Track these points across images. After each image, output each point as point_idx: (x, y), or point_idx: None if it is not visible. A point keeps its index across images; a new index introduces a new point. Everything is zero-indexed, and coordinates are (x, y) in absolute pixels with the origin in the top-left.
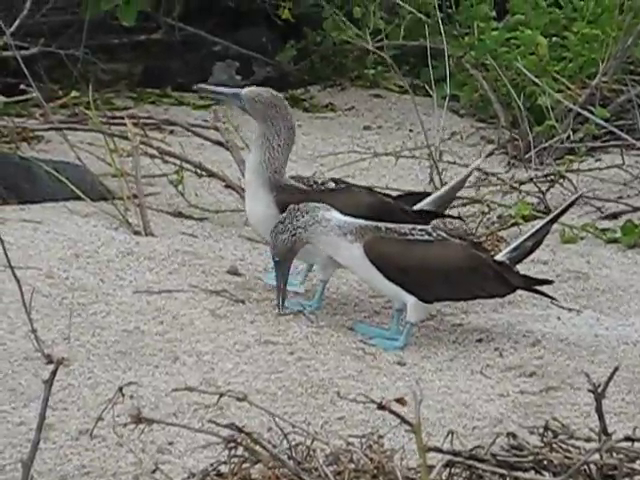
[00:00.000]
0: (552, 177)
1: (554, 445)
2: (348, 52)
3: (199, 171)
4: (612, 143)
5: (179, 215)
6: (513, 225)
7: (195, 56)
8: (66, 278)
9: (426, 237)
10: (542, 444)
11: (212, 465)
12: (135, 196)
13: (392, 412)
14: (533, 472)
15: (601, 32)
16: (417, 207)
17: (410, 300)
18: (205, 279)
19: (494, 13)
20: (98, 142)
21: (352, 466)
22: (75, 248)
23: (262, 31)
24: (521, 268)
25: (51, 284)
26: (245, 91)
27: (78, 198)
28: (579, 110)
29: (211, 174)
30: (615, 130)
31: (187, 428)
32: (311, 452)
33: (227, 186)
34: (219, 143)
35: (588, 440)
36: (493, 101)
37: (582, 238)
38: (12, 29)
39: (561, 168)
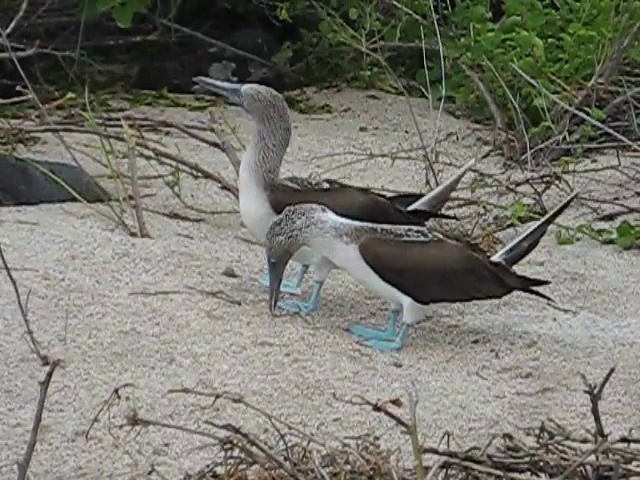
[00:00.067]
0: (548, 178)
1: (550, 446)
2: (344, 53)
3: (195, 172)
4: (608, 144)
5: (175, 216)
6: (509, 226)
7: (191, 57)
8: (62, 279)
9: (422, 238)
10: (538, 445)
11: (208, 466)
12: (131, 197)
13: (388, 413)
14: (529, 473)
15: (597, 33)
16: (411, 207)
17: (406, 301)
18: (201, 280)
19: (490, 14)
20: (94, 143)
21: (348, 467)
22: (71, 249)
23: (258, 32)
24: (517, 269)
25: (47, 285)
26: (245, 88)
27: (74, 199)
28: (575, 111)
29: (207, 175)
30: (611, 131)
31: (183, 429)
32: (307, 453)
33: (223, 187)
34: (215, 145)
35: (584, 441)
36: (489, 102)
37: (578, 239)
38: (8, 30)
39: (557, 169)
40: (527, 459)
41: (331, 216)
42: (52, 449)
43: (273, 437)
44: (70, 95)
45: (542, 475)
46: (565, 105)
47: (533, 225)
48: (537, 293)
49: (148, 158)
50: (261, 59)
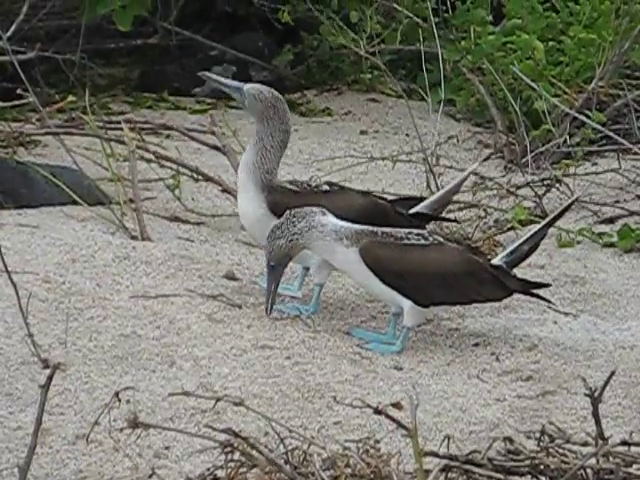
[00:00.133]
0: (549, 181)
1: (551, 449)
2: (345, 57)
3: (196, 175)
4: (609, 147)
5: (176, 220)
6: (510, 229)
7: (192, 60)
8: (63, 283)
9: (422, 241)
10: (539, 448)
11: (209, 470)
12: (132, 201)
13: (388, 417)
14: (530, 477)
15: (597, 36)
16: (413, 210)
17: (407, 304)
18: (202, 283)
19: (490, 17)
20: (95, 147)
21: (349, 471)
22: (72, 253)
23: (259, 35)
24: (518, 272)
25: (48, 289)
26: (247, 87)
27: (75, 203)
28: (576, 114)
29: (208, 179)
30: (612, 134)
31: (184, 433)
32: (308, 457)
33: (224, 190)
34: (216, 148)
35: (585, 444)
36: (490, 105)
37: (579, 242)
38: (9, 34)
39: (558, 172)
40: (528, 462)
41: (331, 219)
42: (53, 452)
43: (274, 440)
44: (71, 98)
45: (543, 478)
46: (566, 108)
47: (534, 228)
48: (538, 296)
49: (149, 161)
50: (262, 62)
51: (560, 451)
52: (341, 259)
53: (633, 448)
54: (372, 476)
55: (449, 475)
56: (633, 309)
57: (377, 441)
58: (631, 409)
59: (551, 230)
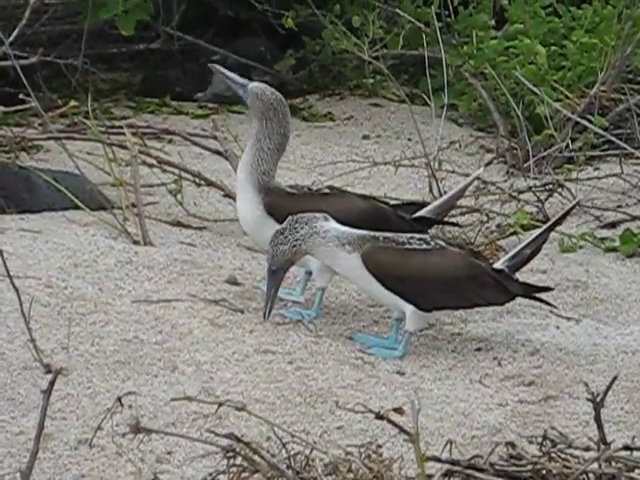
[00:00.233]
0: (551, 186)
1: (553, 454)
2: (347, 61)
3: (198, 180)
4: (611, 152)
5: (178, 224)
6: (512, 234)
7: (194, 65)
8: (65, 287)
9: (424, 246)
10: (541, 453)
11: (211, 475)
12: (134, 205)
13: (391, 422)
14: None
15: (600, 41)
16: (416, 215)
17: (409, 309)
18: (204, 288)
19: (493, 22)
20: (97, 151)
21: (351, 476)
22: (74, 257)
23: (261, 40)
24: (520, 277)
25: (50, 293)
26: (252, 85)
27: (77, 207)
28: (578, 119)
29: (210, 183)
30: (614, 139)
31: (186, 438)
32: (310, 461)
33: (226, 195)
34: (218, 152)
35: (587, 449)
36: (492, 110)
37: (581, 247)
38: (11, 38)
39: (560, 177)
40: (530, 467)
41: (334, 225)
42: (55, 457)
43: (276, 445)
44: (73, 103)
45: None
46: (568, 113)
47: (535, 232)
48: (540, 300)
49: (151, 166)
50: (264, 67)
51: (562, 456)
52: (343, 265)
53: (635, 453)
54: None
55: None
56: (635, 314)
57: (379, 446)
58: (633, 414)
59: (553, 235)
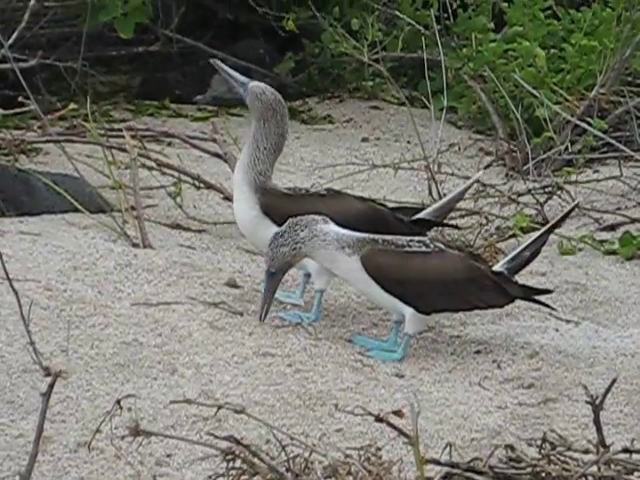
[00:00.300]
0: (550, 189)
1: (552, 457)
2: (346, 64)
3: (197, 183)
4: (610, 155)
5: (177, 227)
6: (511, 237)
7: (193, 68)
8: (64, 290)
9: (424, 249)
10: (540, 456)
11: (210, 477)
12: (133, 208)
13: (390, 424)
14: None
15: (599, 44)
16: (415, 217)
17: (408, 312)
18: (203, 291)
19: (492, 25)
20: (96, 154)
21: (350, 478)
22: (73, 260)
23: (260, 43)
24: (519, 280)
25: (49, 296)
26: (253, 84)
27: (76, 210)
28: (577, 122)
29: (209, 186)
30: (613, 142)
31: (185, 440)
32: (309, 464)
33: (225, 198)
34: (217, 155)
35: (586, 452)
36: (491, 113)
37: (580, 250)
38: (10, 41)
39: (559, 180)
40: (529, 470)
41: (333, 227)
42: (54, 460)
43: (275, 448)
44: (72, 106)
45: None
46: (567, 115)
47: (535, 235)
48: (540, 302)
49: (150, 169)
50: (263, 70)
51: (561, 459)
52: (343, 268)
53: (634, 455)
54: None
55: None
56: (634, 316)
57: (379, 449)
58: (632, 416)
59: (552, 237)
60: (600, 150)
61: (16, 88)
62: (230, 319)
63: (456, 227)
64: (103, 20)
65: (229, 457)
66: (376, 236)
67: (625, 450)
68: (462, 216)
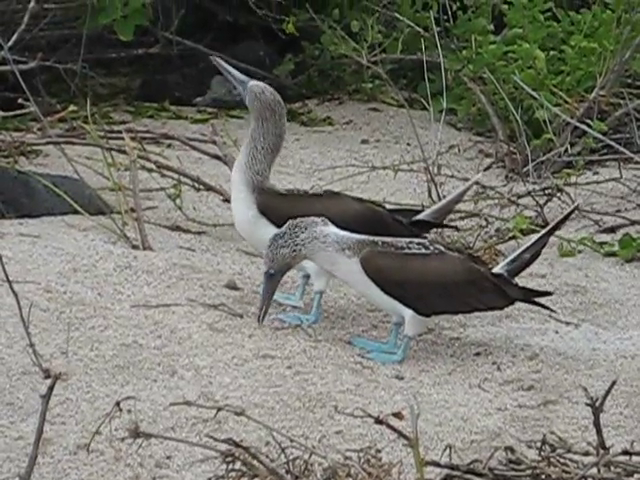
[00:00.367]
0: (550, 191)
1: (552, 459)
2: (346, 66)
3: (197, 185)
4: (610, 157)
5: (177, 229)
6: (511, 239)
7: (193, 70)
8: (64, 292)
9: (423, 251)
10: (540, 458)
11: (210, 479)
12: (133, 210)
13: (390, 426)
14: None
15: (599, 46)
16: (414, 218)
17: (408, 314)
18: (203, 293)
19: (492, 27)
20: (96, 156)
21: None
22: (73, 262)
23: (260, 45)
24: (519, 282)
25: (49, 298)
26: (252, 83)
27: (76, 212)
28: (577, 124)
29: (209, 188)
30: (613, 144)
31: (185, 442)
32: (309, 466)
33: (225, 200)
34: (217, 157)
35: (586, 454)
36: (491, 115)
37: (580, 252)
38: (10, 43)
39: (559, 181)
40: (529, 472)
41: (333, 229)
42: (54, 462)
43: (275, 450)
44: (72, 108)
45: None
46: (567, 117)
47: (534, 237)
48: (539, 304)
49: (150, 171)
50: (263, 72)
51: (561, 461)
52: (343, 270)
53: (634, 458)
54: None
55: None
56: (634, 318)
57: (378, 451)
58: (632, 418)
59: (552, 239)
60: (600, 152)
61: (16, 90)
62: (230, 321)
63: (456, 228)
64: (103, 22)
65: (229, 459)
66: (376, 238)
67: (625, 452)
68: (462, 218)
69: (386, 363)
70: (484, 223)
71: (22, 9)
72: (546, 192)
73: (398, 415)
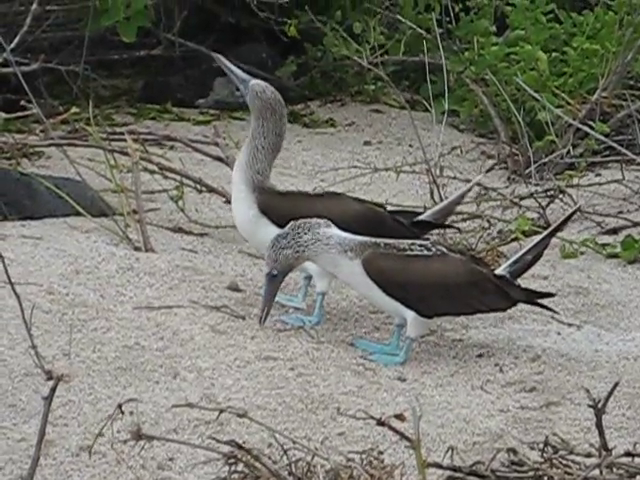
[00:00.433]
0: (552, 192)
1: (554, 461)
2: (348, 68)
3: (199, 187)
4: (612, 158)
5: (179, 231)
6: (513, 240)
7: (195, 72)
8: (66, 294)
9: (425, 252)
10: (542, 460)
11: None
12: (135, 212)
13: (392, 428)
14: None
15: (601, 47)
16: (416, 219)
17: (410, 315)
18: (205, 295)
19: (494, 28)
20: (98, 158)
21: None
22: (75, 264)
23: (262, 47)
24: (521, 283)
25: (51, 300)
26: (254, 82)
27: (78, 214)
28: (579, 125)
29: (211, 190)
30: (615, 145)
31: (187, 444)
32: (311, 468)
33: (227, 202)
34: (219, 159)
35: (588, 456)
36: (493, 116)
37: (582, 253)
38: (12, 45)
39: (561, 183)
40: (531, 473)
41: (335, 231)
42: (56, 464)
43: (277, 452)
44: (74, 109)
45: None
46: (569, 119)
47: (537, 238)
48: (541, 306)
49: (152, 172)
50: (265, 73)
51: (564, 462)
52: (345, 271)
53: (637, 459)
54: None
55: None
56: (637, 320)
57: (381, 452)
58: (635, 420)
59: (555, 241)
60: (602, 154)
61: (18, 92)
62: (232, 323)
63: (458, 230)
64: (105, 24)
65: (231, 461)
66: (378, 240)
67: (627, 454)
68: (464, 219)
69: (388, 365)
70: (486, 225)
71: (24, 11)
72: (548, 194)
73: (400, 417)
